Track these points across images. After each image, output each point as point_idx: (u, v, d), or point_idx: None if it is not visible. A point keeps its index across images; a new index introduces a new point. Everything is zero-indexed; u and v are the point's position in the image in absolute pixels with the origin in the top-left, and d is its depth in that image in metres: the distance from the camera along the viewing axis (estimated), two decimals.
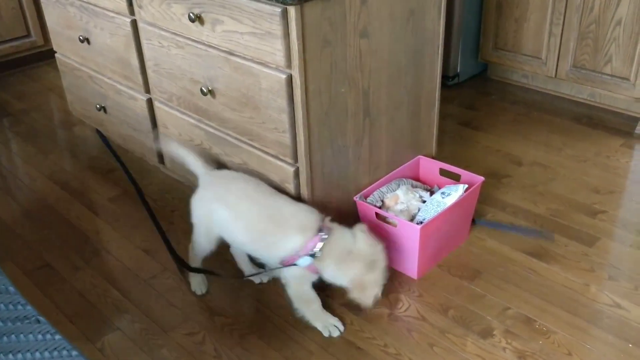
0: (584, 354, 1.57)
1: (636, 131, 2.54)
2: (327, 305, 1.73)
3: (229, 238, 1.71)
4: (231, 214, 1.66)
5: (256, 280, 1.85)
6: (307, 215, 1.63)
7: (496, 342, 1.61)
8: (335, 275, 1.61)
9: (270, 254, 1.63)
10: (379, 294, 1.63)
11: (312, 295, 1.67)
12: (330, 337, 1.65)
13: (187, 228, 2.08)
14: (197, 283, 1.83)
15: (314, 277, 1.65)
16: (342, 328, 1.67)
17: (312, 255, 1.56)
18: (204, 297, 1.80)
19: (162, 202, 2.24)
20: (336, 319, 1.68)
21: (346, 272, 1.59)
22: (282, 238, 1.60)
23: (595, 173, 2.30)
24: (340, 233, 1.61)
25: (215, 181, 1.77)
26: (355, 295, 1.60)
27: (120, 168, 2.44)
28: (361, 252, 1.59)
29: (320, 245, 1.56)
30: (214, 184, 1.75)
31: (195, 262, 1.81)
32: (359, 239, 1.61)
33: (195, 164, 1.80)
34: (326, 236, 1.57)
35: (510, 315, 1.69)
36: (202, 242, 1.75)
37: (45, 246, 2.04)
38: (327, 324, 1.67)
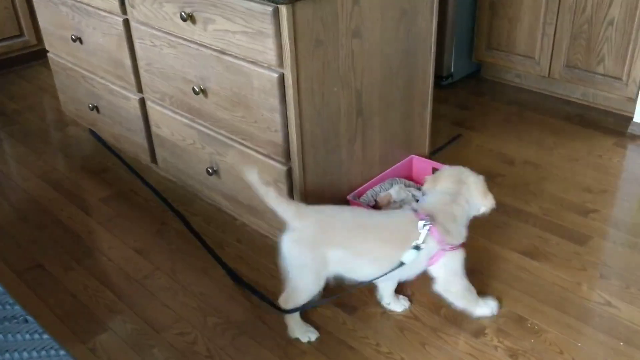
0: (575, 353, 1.57)
1: (628, 130, 2.55)
2: (321, 305, 1.73)
3: (352, 274, 1.59)
4: (350, 252, 1.55)
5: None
6: (404, 213, 1.66)
7: (488, 340, 1.62)
8: (457, 225, 1.62)
9: (412, 267, 1.58)
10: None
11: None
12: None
13: (182, 229, 2.08)
14: (304, 331, 1.65)
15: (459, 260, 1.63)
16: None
17: (416, 248, 1.53)
18: (200, 298, 1.80)
19: (154, 202, 2.23)
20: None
21: (475, 205, 1.65)
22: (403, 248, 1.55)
23: (588, 172, 2.31)
24: (433, 207, 1.61)
25: (317, 219, 1.57)
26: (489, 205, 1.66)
27: (120, 162, 2.44)
28: (449, 180, 1.65)
29: (425, 232, 1.53)
30: (317, 223, 1.56)
31: (295, 311, 1.62)
32: (436, 187, 1.65)
33: (281, 205, 1.55)
34: (428, 222, 1.55)
35: (502, 313, 1.69)
36: (310, 287, 1.57)
37: (37, 246, 2.03)
38: (487, 304, 1.69)
